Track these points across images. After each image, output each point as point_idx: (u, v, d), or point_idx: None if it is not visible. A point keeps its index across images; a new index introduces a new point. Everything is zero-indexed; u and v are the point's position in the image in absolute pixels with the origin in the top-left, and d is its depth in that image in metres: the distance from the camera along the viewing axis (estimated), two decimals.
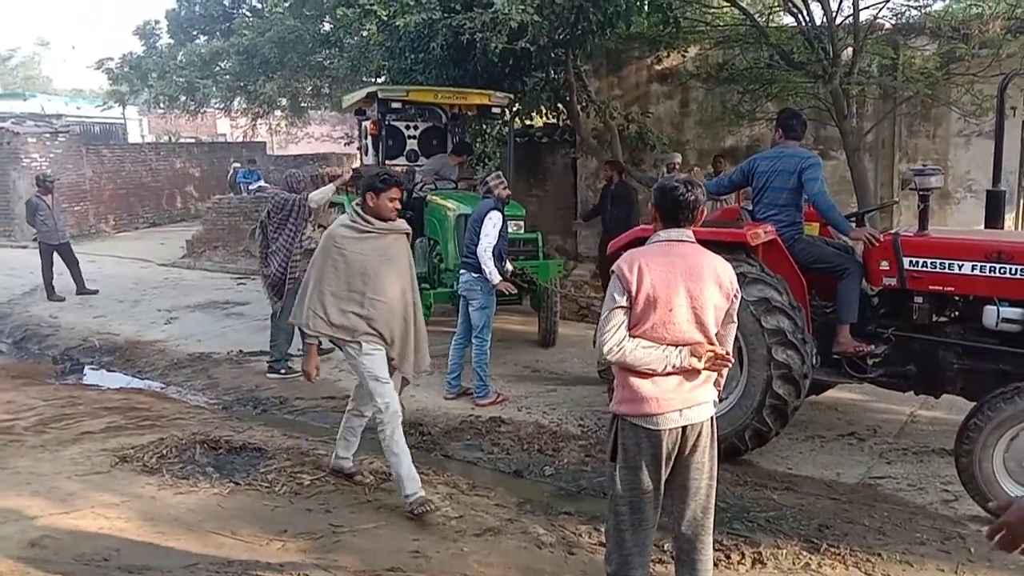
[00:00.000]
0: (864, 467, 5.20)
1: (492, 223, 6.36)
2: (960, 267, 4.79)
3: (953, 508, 4.57)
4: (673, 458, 2.98)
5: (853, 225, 5.24)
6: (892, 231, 5.27)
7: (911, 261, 4.94)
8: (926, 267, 4.90)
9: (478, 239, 6.36)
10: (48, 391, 7.19)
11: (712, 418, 3.06)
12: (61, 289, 11.21)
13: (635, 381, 2.94)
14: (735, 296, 3.06)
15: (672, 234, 3.02)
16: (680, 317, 2.92)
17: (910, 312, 5.04)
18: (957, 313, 5.01)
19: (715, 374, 3.05)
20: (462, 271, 6.59)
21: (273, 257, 7.47)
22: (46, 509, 4.30)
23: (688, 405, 2.96)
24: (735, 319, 3.12)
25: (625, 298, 2.91)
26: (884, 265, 5.04)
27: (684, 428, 2.96)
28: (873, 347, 5.09)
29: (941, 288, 4.89)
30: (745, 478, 4.97)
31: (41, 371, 8.33)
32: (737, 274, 4.82)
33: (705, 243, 5.03)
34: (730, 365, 3.07)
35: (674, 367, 2.91)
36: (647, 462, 2.96)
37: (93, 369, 8.44)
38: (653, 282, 2.89)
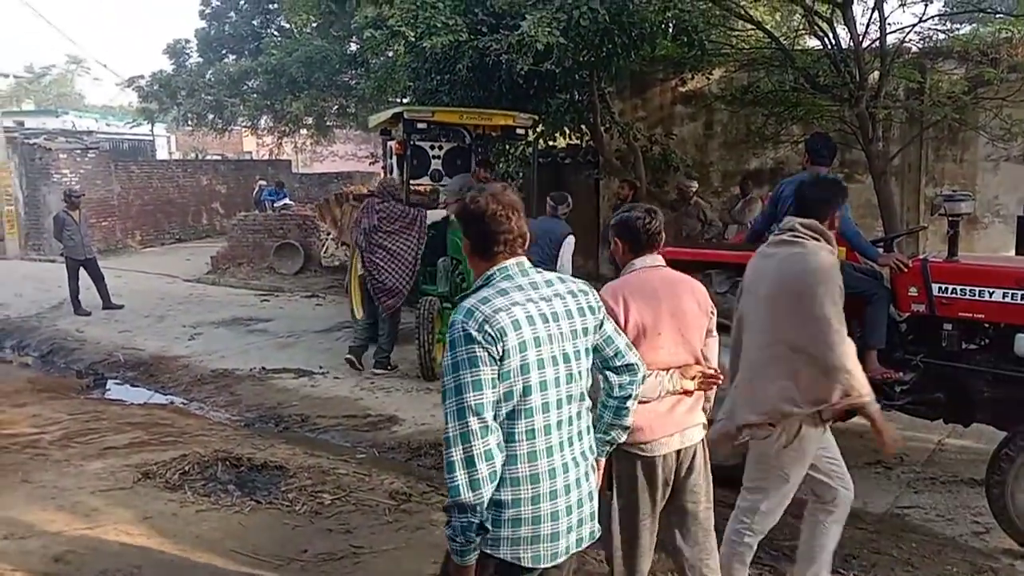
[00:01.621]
0: (891, 496, 5.11)
1: (571, 247, 6.74)
2: (991, 294, 4.71)
3: (984, 540, 4.48)
4: (670, 484, 2.99)
5: (880, 251, 5.19)
6: (921, 256, 5.20)
7: (940, 287, 4.87)
8: (955, 294, 4.83)
9: (547, 257, 6.57)
10: (73, 405, 7.27)
11: (704, 440, 3.09)
12: (87, 304, 11.35)
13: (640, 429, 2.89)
14: (712, 312, 3.12)
15: (647, 261, 3.05)
16: (668, 341, 2.95)
17: (939, 339, 4.96)
18: (987, 341, 4.92)
19: (703, 396, 3.08)
20: None
21: (387, 263, 7.89)
22: (70, 524, 4.33)
23: (681, 428, 2.98)
24: (715, 333, 3.17)
25: (633, 322, 2.93)
26: (912, 291, 4.97)
27: (679, 452, 2.98)
28: (901, 374, 5.00)
29: (971, 315, 4.81)
30: None
31: (67, 385, 8.42)
32: None
33: (731, 266, 5.06)
34: (720, 382, 3.08)
35: (668, 391, 2.92)
36: (643, 489, 2.96)
37: (117, 384, 8.52)
38: (640, 310, 2.92)
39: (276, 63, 17.39)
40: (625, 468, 2.96)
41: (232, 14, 21.57)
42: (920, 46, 9.66)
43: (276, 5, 20.20)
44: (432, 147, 9.94)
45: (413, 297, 8.42)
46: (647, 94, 12.08)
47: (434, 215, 8.43)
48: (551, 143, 12.42)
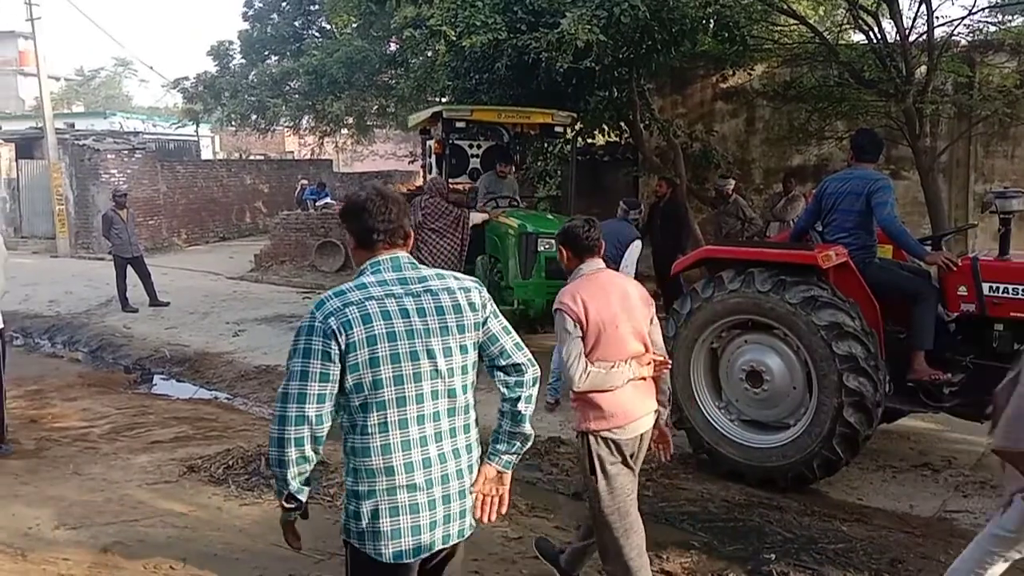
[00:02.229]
0: (939, 500, 4.99)
1: (638, 251, 6.68)
2: None
3: None
4: (633, 455, 3.36)
5: (928, 249, 5.07)
6: (971, 255, 5.08)
7: (991, 287, 4.75)
8: (1007, 293, 4.71)
9: (611, 256, 6.38)
10: (121, 400, 7.44)
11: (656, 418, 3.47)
12: (135, 301, 11.61)
13: (601, 400, 3.25)
14: (651, 304, 3.48)
15: (593, 265, 3.41)
16: (624, 333, 3.28)
17: (990, 340, 4.84)
18: None
19: (654, 384, 3.43)
20: None
21: (434, 260, 7.87)
22: (118, 516, 4.44)
23: (643, 414, 3.34)
24: (655, 322, 3.49)
25: (577, 328, 3.22)
26: (962, 290, 4.86)
27: (642, 435, 3.36)
28: (949, 375, 4.90)
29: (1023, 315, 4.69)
30: (813, 508, 4.81)
31: (115, 380, 8.63)
32: (808, 298, 4.78)
33: (774, 265, 4.99)
34: (668, 367, 3.46)
35: (629, 379, 3.26)
36: (621, 469, 3.31)
37: (163, 379, 8.70)
38: (598, 309, 3.24)
39: (317, 64, 17.56)
40: (606, 454, 3.28)
41: (274, 16, 21.83)
42: (969, 39, 9.40)
43: (317, 6, 20.41)
44: (471, 146, 9.96)
45: None
46: (687, 90, 11.96)
47: (475, 217, 8.44)
48: (590, 140, 12.37)
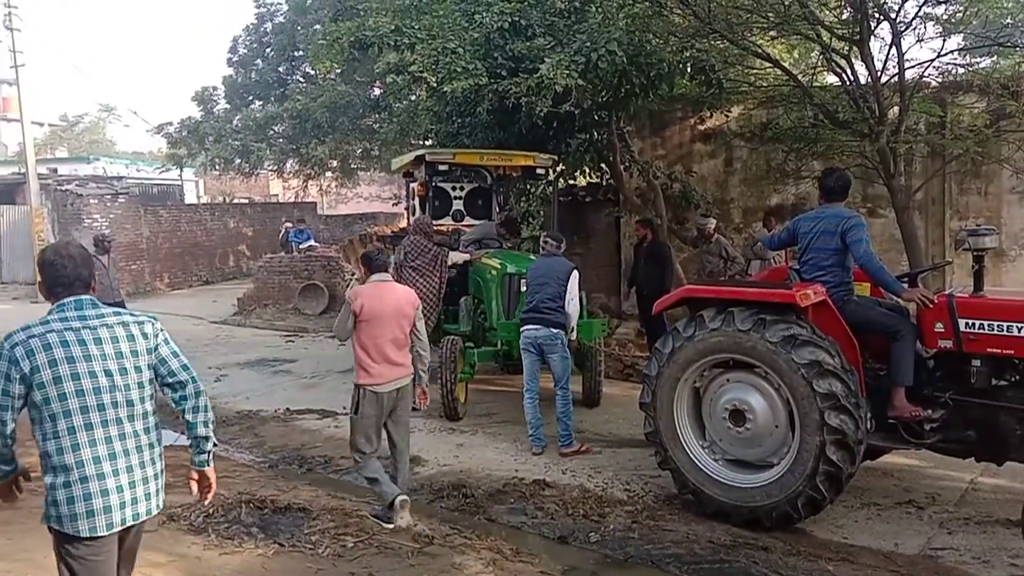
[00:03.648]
0: (924, 537, 4.99)
1: (577, 281, 6.80)
2: (1020, 329, 4.65)
3: None
4: (389, 407, 5.15)
5: (905, 286, 5.14)
6: (946, 292, 5.15)
7: (967, 323, 4.81)
8: (983, 329, 4.76)
9: (556, 295, 6.65)
10: None
11: (411, 382, 5.28)
12: None
13: (368, 365, 5.09)
14: (416, 307, 5.30)
15: (379, 277, 5.28)
16: (386, 322, 5.11)
17: (968, 376, 4.88)
18: (1018, 377, 4.84)
19: (410, 358, 5.27)
20: (534, 326, 6.69)
21: None
22: None
23: (395, 377, 5.15)
24: (419, 317, 5.33)
25: (351, 312, 5.09)
26: (939, 327, 4.91)
27: (397, 390, 5.15)
28: (930, 412, 4.93)
29: (1000, 351, 4.74)
30: (799, 547, 4.80)
31: None
32: (787, 336, 4.83)
33: (754, 304, 5.04)
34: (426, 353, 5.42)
35: (388, 357, 5.10)
36: (375, 411, 5.11)
37: None
38: (370, 304, 5.09)
39: (301, 108, 17.76)
40: (368, 398, 5.09)
41: (259, 61, 22.10)
42: (939, 80, 9.64)
43: (301, 52, 20.67)
44: (454, 188, 10.06)
45: (436, 336, 8.46)
46: (666, 132, 12.15)
47: (455, 256, 8.52)
48: (572, 182, 12.50)
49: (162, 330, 3.08)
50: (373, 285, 5.19)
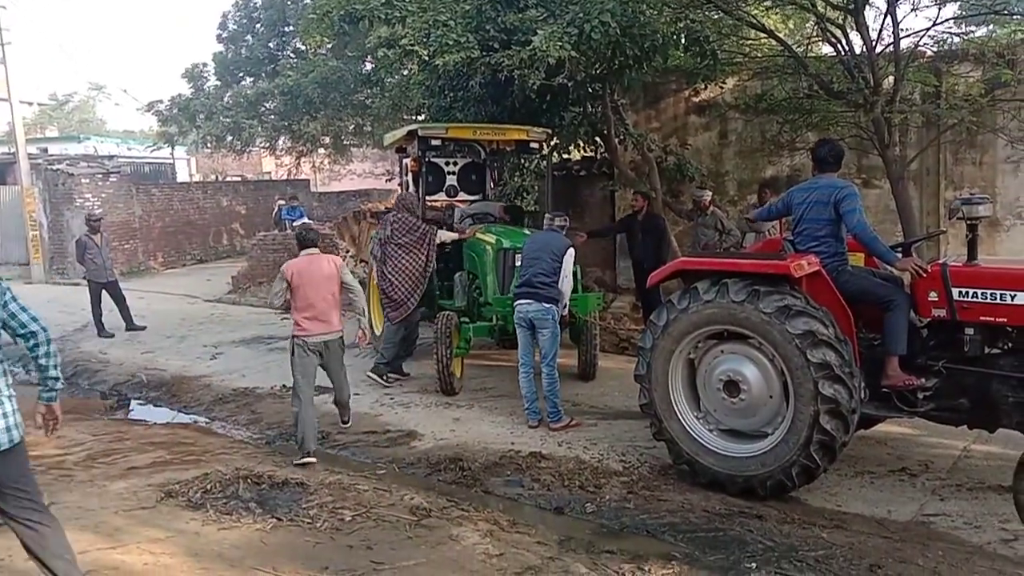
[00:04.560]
0: (916, 504, 5.04)
1: (572, 259, 6.84)
2: (1012, 297, 4.66)
3: (1013, 548, 4.40)
4: (321, 355, 6.30)
5: (899, 255, 5.14)
6: (940, 261, 5.15)
7: (961, 292, 4.82)
8: (976, 298, 4.78)
9: (550, 270, 6.65)
10: (97, 426, 7.35)
11: (340, 337, 6.42)
12: (110, 326, 11.48)
13: (301, 321, 6.22)
14: (340, 268, 6.38)
15: (307, 252, 6.39)
16: (321, 287, 6.24)
17: (961, 344, 4.91)
18: (1010, 344, 4.87)
19: (337, 316, 6.36)
20: (527, 301, 6.69)
21: (396, 276, 8.09)
22: (94, 544, 4.37)
23: (320, 331, 6.25)
24: (345, 274, 6.41)
25: (284, 281, 6.22)
26: (933, 296, 4.93)
27: (324, 343, 6.26)
28: (923, 380, 4.95)
29: (993, 319, 4.76)
30: (792, 515, 4.84)
31: (90, 406, 8.52)
32: (782, 307, 4.84)
33: (748, 275, 5.05)
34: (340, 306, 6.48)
35: (318, 315, 6.23)
36: (309, 359, 6.25)
37: (140, 404, 8.60)
38: (300, 273, 6.21)
39: (292, 84, 17.59)
40: (300, 347, 6.22)
41: (249, 37, 21.84)
42: (934, 50, 9.58)
43: (291, 28, 20.44)
44: (447, 163, 10.00)
45: (431, 312, 8.46)
46: (660, 105, 12.07)
47: (444, 236, 8.49)
48: (565, 156, 12.44)
49: (9, 289, 3.53)
50: (303, 258, 6.33)
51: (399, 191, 12.80)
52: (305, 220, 19.28)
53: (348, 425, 6.93)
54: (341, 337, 6.40)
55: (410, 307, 8.10)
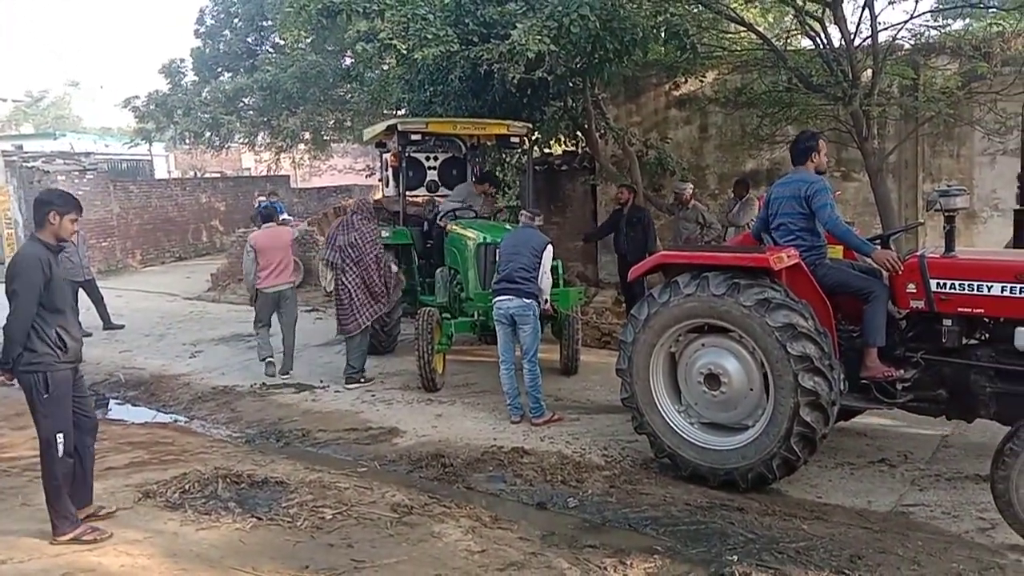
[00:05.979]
0: (896, 494, 5.07)
1: (551, 255, 6.85)
2: (989, 288, 4.70)
3: (990, 536, 4.44)
4: (276, 304, 8.36)
5: (878, 246, 5.17)
6: (918, 253, 5.18)
7: (938, 283, 4.85)
8: (954, 289, 4.81)
9: (530, 266, 6.64)
10: None
11: (291, 288, 8.54)
12: (88, 324, 11.28)
13: (262, 275, 8.21)
14: (293, 235, 8.70)
15: (267, 225, 8.56)
16: (276, 252, 8.30)
17: (939, 335, 4.94)
18: (988, 335, 4.91)
19: (291, 271, 8.51)
20: (507, 297, 6.65)
21: (356, 291, 7.97)
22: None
23: (275, 283, 8.32)
24: (295, 238, 8.49)
25: (252, 251, 8.22)
26: (911, 288, 4.95)
27: (279, 292, 8.32)
28: (902, 371, 4.99)
29: (970, 310, 4.80)
30: (773, 507, 4.86)
31: None
32: (761, 300, 4.85)
33: (728, 268, 5.05)
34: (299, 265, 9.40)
35: (271, 273, 8.32)
36: (266, 302, 8.37)
37: (118, 404, 8.48)
38: (263, 243, 8.29)
39: (271, 79, 17.42)
40: (262, 295, 8.37)
41: (226, 32, 21.61)
42: (912, 43, 9.64)
43: (270, 22, 20.25)
44: (428, 158, 9.95)
45: (412, 308, 8.41)
46: (641, 99, 12.08)
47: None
48: (547, 150, 12.42)
49: None
50: (264, 230, 8.53)
51: (380, 186, 12.73)
52: (285, 216, 19.17)
53: (288, 376, 8.43)
54: (293, 287, 8.65)
55: (361, 327, 7.93)
